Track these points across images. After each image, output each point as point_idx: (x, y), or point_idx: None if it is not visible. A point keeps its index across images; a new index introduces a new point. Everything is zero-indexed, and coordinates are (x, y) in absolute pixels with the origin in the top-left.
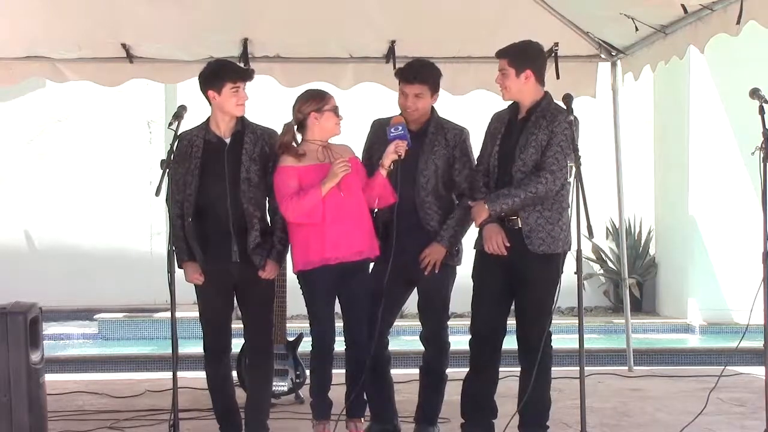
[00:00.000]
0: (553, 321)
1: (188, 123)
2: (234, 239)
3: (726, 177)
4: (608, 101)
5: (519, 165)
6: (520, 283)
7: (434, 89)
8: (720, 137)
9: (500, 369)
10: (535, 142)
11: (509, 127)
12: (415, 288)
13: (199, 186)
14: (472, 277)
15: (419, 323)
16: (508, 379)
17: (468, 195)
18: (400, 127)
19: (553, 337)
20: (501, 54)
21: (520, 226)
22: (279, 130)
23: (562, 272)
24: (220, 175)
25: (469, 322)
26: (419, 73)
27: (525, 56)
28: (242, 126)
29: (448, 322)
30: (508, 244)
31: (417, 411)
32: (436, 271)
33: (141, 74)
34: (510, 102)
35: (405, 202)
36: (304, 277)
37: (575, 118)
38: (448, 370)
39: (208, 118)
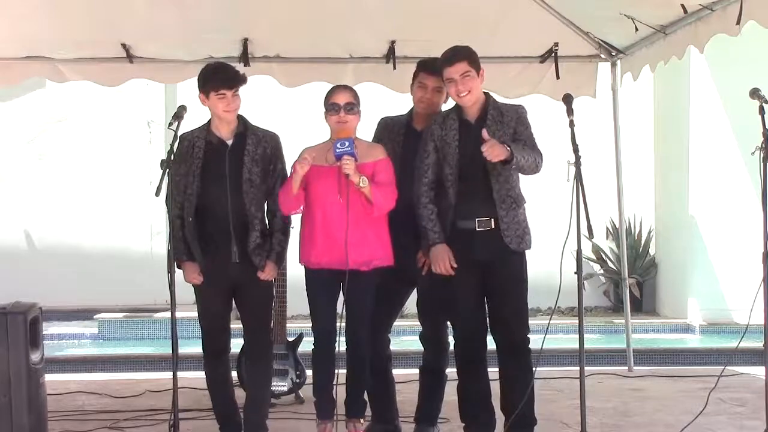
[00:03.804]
0: (553, 321)
1: (188, 123)
2: (234, 240)
3: (726, 177)
4: (608, 101)
5: (491, 163)
6: (495, 284)
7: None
8: (720, 137)
9: (497, 369)
10: (501, 139)
11: (464, 131)
12: (415, 288)
13: (200, 187)
14: (444, 287)
15: (419, 323)
16: None
17: (416, 210)
18: (347, 143)
19: (553, 336)
20: (460, 58)
21: (493, 227)
22: (279, 131)
23: None
24: (221, 176)
25: None
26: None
27: (476, 57)
28: (244, 128)
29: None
30: (455, 265)
31: (417, 411)
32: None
33: (141, 74)
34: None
35: (404, 202)
36: (306, 272)
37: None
38: (448, 370)
39: (210, 120)
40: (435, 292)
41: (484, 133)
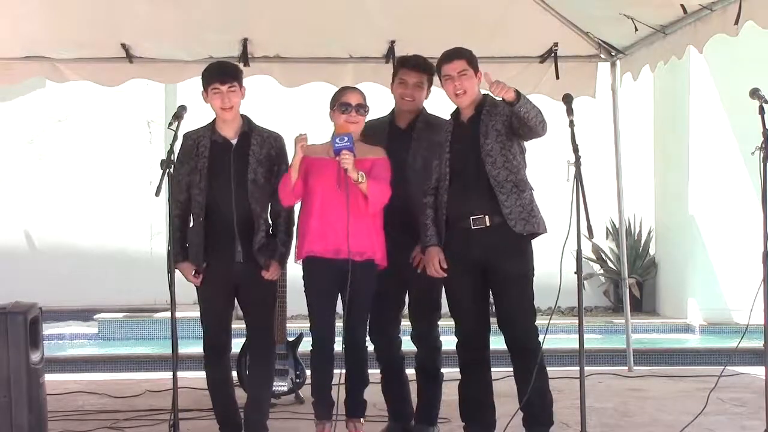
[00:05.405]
0: (553, 321)
1: (188, 123)
2: (238, 240)
3: (726, 177)
4: (608, 101)
5: (487, 149)
6: (497, 284)
7: (430, 83)
8: (720, 137)
9: (500, 369)
10: (494, 129)
11: (457, 130)
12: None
13: (206, 186)
14: (444, 285)
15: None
16: (509, 378)
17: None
18: (346, 138)
19: (554, 336)
20: (459, 56)
21: (488, 224)
22: (279, 131)
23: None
24: (226, 176)
25: None
26: (421, 63)
27: (475, 59)
28: (249, 128)
29: (440, 322)
30: (445, 266)
31: (416, 411)
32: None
33: (141, 74)
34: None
35: (395, 200)
36: (303, 267)
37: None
38: (447, 370)
39: (214, 119)
40: (430, 292)
41: (489, 75)
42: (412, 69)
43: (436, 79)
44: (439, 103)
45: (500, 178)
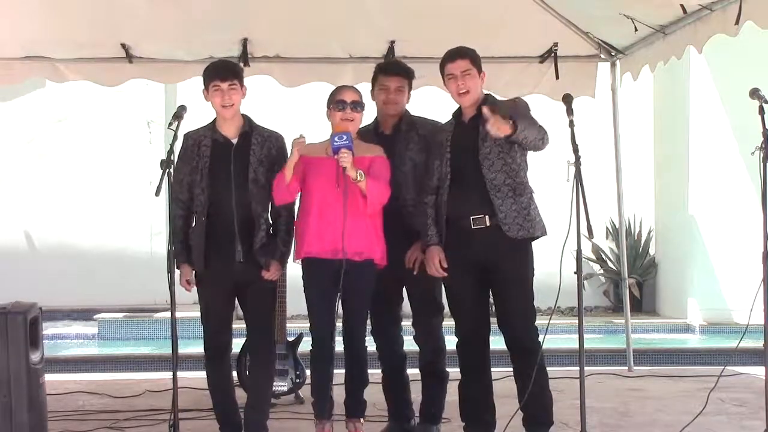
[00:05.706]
0: (553, 321)
1: (188, 123)
2: (238, 239)
3: (726, 177)
4: (608, 101)
5: (485, 152)
6: (497, 284)
7: (410, 87)
8: (720, 137)
9: (500, 369)
10: None
11: (457, 130)
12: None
13: (207, 185)
14: (444, 285)
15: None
16: (509, 378)
17: (419, 207)
18: (345, 136)
19: (554, 336)
20: (462, 55)
21: (488, 224)
22: (279, 131)
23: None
24: (227, 175)
25: None
26: (401, 67)
27: (479, 58)
28: (250, 128)
29: (444, 323)
30: (445, 265)
31: (420, 409)
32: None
33: (141, 74)
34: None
35: (390, 200)
36: (302, 267)
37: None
38: (451, 369)
39: (215, 119)
40: (432, 293)
41: (485, 110)
42: (393, 74)
43: (416, 83)
44: (427, 103)
45: (497, 181)
